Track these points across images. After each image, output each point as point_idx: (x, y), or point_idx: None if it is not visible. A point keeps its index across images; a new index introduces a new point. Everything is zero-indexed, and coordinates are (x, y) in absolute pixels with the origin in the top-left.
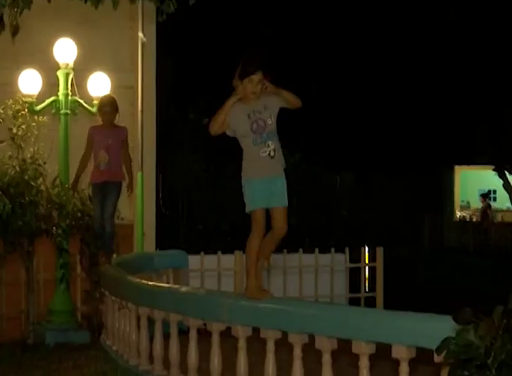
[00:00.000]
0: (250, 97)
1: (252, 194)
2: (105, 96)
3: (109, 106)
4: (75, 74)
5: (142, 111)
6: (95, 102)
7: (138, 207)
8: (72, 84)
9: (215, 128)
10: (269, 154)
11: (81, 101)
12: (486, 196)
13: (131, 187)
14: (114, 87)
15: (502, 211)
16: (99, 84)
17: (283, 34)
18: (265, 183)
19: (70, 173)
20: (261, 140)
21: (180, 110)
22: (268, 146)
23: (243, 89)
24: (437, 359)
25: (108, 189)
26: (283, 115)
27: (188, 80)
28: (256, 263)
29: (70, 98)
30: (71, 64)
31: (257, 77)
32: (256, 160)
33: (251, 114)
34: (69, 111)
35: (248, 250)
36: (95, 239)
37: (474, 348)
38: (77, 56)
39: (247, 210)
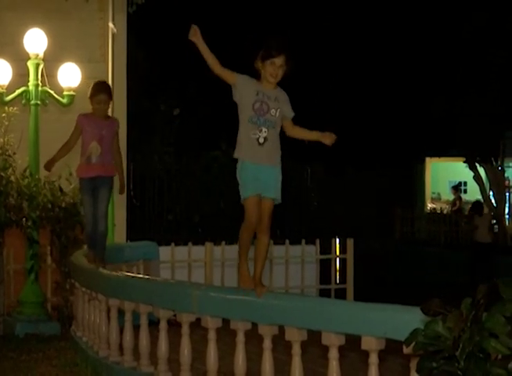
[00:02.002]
0: (268, 80)
1: (244, 181)
2: (100, 82)
3: (105, 94)
4: (45, 64)
5: (112, 102)
6: (66, 92)
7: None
8: (42, 75)
9: (214, 68)
10: (258, 139)
11: (52, 92)
12: (457, 188)
13: (123, 186)
14: (85, 78)
15: (472, 203)
16: (70, 75)
17: (250, 24)
18: (253, 169)
19: (40, 164)
20: (257, 122)
21: (151, 101)
22: (261, 131)
23: (264, 72)
24: (406, 350)
25: (100, 185)
26: None
27: (159, 71)
28: (245, 254)
29: (40, 88)
30: (41, 55)
31: (279, 60)
32: (245, 138)
33: (260, 93)
34: (39, 102)
35: (239, 242)
36: (86, 239)
37: (443, 340)
38: (48, 47)
39: (241, 200)
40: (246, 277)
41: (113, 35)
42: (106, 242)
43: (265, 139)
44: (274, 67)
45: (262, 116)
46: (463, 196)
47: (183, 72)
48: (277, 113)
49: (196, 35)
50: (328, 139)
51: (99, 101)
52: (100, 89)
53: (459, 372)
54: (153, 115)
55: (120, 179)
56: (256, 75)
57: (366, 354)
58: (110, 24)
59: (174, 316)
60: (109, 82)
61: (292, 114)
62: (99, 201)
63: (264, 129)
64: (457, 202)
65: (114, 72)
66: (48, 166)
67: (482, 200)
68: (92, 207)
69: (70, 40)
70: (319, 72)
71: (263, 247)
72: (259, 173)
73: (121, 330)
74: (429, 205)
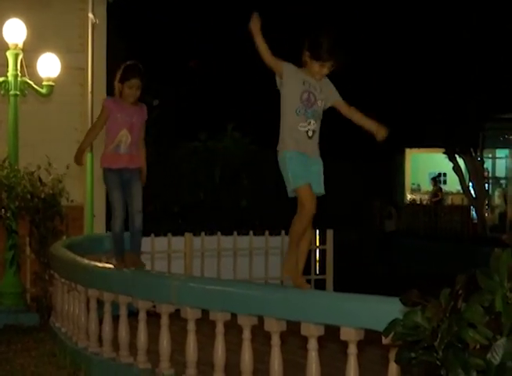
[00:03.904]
0: (314, 76)
1: (293, 170)
2: (132, 65)
3: (139, 77)
4: (25, 54)
5: (92, 92)
6: (45, 83)
7: (88, 188)
8: (21, 65)
9: (264, 55)
10: (307, 133)
11: (31, 82)
12: (436, 179)
13: (145, 177)
14: (64, 68)
15: (452, 193)
16: (49, 65)
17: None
18: (304, 159)
19: (19, 154)
20: (305, 113)
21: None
22: (310, 123)
23: (310, 66)
24: (385, 341)
25: (130, 178)
26: (236, 98)
27: (139, 61)
28: (298, 244)
29: (19, 79)
30: (21, 45)
31: (328, 64)
32: (294, 130)
33: (306, 83)
34: (18, 92)
35: (291, 232)
36: (112, 242)
37: (421, 330)
38: (27, 37)
39: (291, 189)
40: (293, 266)
41: (92, 25)
42: (90, 232)
43: (314, 131)
44: (322, 68)
45: (310, 107)
46: (442, 187)
47: (163, 62)
48: (322, 105)
49: (256, 24)
50: (381, 133)
51: (132, 85)
52: (134, 73)
53: (437, 362)
54: None
55: (144, 171)
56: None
57: (345, 344)
58: (90, 14)
59: (154, 307)
60: (89, 73)
61: (340, 97)
62: (133, 196)
63: (312, 121)
64: (439, 193)
65: (94, 62)
66: (79, 159)
67: (462, 191)
68: (123, 203)
69: (50, 30)
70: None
71: (308, 241)
72: (309, 165)
73: (100, 321)
74: (409, 196)
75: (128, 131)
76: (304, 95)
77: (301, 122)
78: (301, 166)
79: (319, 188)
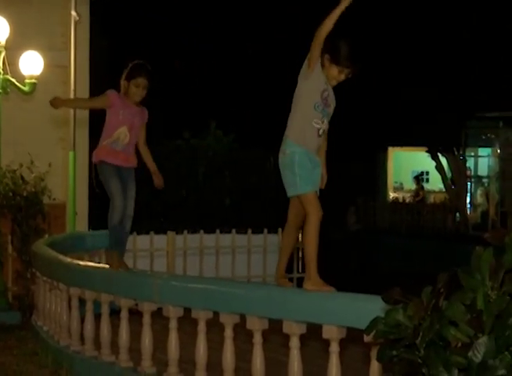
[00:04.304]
0: (330, 81)
1: (304, 173)
2: (140, 64)
3: (146, 77)
4: (7, 52)
5: (75, 90)
6: (28, 80)
7: (71, 186)
8: (4, 63)
9: (324, 33)
10: (319, 131)
11: (13, 80)
12: (418, 177)
13: (161, 179)
14: (47, 66)
15: (434, 192)
16: (32, 63)
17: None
18: (311, 161)
19: (1, 152)
20: (322, 111)
21: (114, 89)
22: (323, 122)
23: (328, 70)
24: (366, 339)
25: (127, 176)
26: (220, 96)
27: (122, 59)
28: (315, 251)
29: (1, 76)
30: (3, 42)
31: (347, 71)
32: (307, 124)
33: (326, 83)
34: (0, 90)
35: (307, 243)
36: (113, 234)
37: (403, 328)
38: (9, 35)
39: (295, 192)
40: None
41: (75, 23)
42: (72, 230)
43: (323, 131)
44: (340, 75)
45: (326, 107)
46: (425, 185)
47: (146, 60)
48: (332, 110)
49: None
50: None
51: (138, 84)
52: (141, 72)
53: (419, 360)
54: None
55: (156, 173)
56: None
57: (327, 343)
58: (73, 12)
59: (136, 305)
60: (72, 70)
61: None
62: (128, 199)
63: (326, 121)
64: (420, 192)
65: (77, 60)
66: (57, 104)
67: (444, 190)
68: (124, 195)
69: (32, 28)
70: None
71: (293, 242)
72: (314, 167)
73: (82, 320)
74: (391, 195)
75: (128, 129)
76: (324, 93)
77: (316, 118)
78: (309, 170)
79: (318, 190)
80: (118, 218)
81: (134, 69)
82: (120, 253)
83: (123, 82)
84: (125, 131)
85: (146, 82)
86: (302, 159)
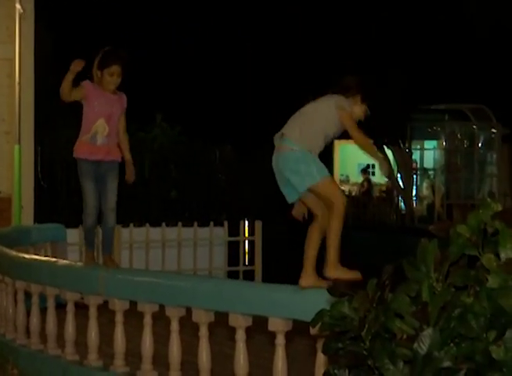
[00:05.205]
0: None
1: (316, 163)
2: (112, 50)
3: (120, 64)
4: None
5: (19, 83)
6: None
7: (16, 180)
8: None
9: None
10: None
11: None
12: (366, 170)
13: (132, 171)
14: None
15: (380, 185)
16: None
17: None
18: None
19: None
20: (328, 140)
21: (60, 82)
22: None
23: (353, 104)
24: (312, 331)
25: (106, 171)
26: (165, 89)
27: (68, 52)
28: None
29: None
30: None
31: (351, 98)
32: (317, 147)
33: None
34: None
35: (331, 234)
36: (85, 235)
37: (349, 321)
38: None
39: (314, 180)
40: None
41: (20, 16)
42: (18, 223)
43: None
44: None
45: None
46: (371, 178)
47: (92, 53)
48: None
49: None
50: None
51: (112, 72)
52: (114, 59)
53: (364, 352)
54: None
55: (129, 164)
56: None
57: (273, 335)
58: (17, 5)
59: (82, 298)
60: (17, 63)
61: None
62: (107, 192)
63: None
64: (365, 184)
65: (22, 53)
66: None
67: (390, 183)
68: (97, 197)
69: None
70: (224, 52)
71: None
72: None
73: (28, 313)
74: None
75: (106, 121)
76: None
77: (324, 144)
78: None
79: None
80: (90, 222)
81: (106, 56)
82: (106, 251)
83: (95, 71)
84: (103, 123)
85: (119, 70)
86: (312, 155)
